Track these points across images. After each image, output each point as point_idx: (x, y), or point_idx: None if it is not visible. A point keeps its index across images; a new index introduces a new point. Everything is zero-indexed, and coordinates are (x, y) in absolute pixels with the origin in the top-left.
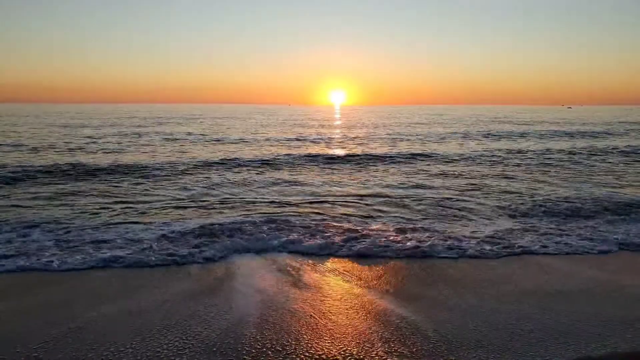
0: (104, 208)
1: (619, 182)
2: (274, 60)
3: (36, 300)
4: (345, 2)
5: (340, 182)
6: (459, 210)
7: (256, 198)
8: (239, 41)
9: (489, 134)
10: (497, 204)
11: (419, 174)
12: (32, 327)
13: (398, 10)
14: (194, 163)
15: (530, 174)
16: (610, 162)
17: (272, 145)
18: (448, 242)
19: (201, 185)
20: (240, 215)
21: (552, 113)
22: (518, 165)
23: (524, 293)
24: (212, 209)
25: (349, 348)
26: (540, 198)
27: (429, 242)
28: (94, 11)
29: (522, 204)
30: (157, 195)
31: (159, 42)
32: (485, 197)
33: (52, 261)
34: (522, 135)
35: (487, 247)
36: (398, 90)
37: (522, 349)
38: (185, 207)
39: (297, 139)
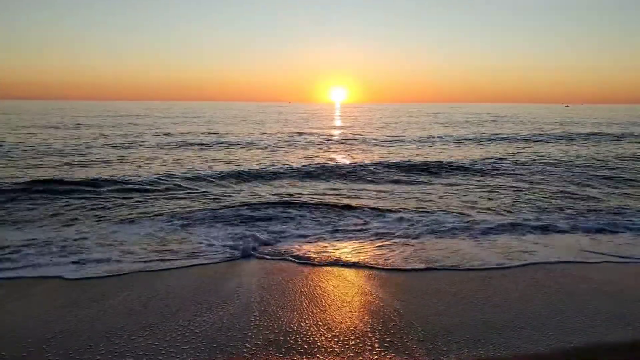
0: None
1: None
2: (272, 57)
3: (43, 294)
4: None
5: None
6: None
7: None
8: (237, 38)
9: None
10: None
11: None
12: (40, 320)
13: (400, 6)
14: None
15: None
16: None
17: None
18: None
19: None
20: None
21: (571, 111)
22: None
23: (530, 294)
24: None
25: (346, 340)
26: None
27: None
28: (91, 3)
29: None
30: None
31: (154, 39)
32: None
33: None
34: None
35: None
36: (399, 88)
37: (524, 347)
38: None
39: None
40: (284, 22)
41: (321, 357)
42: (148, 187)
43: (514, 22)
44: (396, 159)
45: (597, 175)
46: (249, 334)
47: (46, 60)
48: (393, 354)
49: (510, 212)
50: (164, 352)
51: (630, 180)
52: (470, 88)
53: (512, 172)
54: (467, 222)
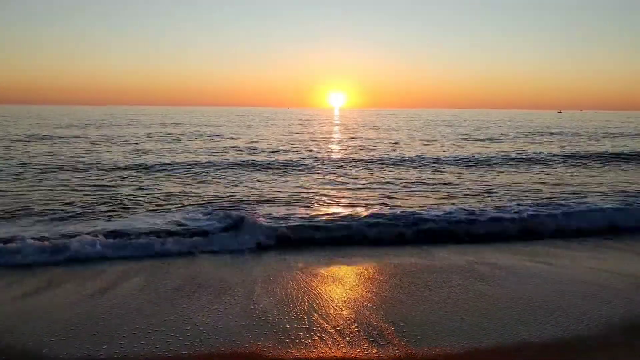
0: None
1: None
2: (271, 60)
3: (56, 283)
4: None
5: None
6: None
7: None
8: (236, 41)
9: None
10: None
11: None
12: (57, 305)
13: (397, 8)
14: None
15: None
16: None
17: None
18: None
19: None
20: None
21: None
22: None
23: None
24: None
25: (340, 338)
26: None
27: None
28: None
29: None
30: None
31: (152, 41)
32: None
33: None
34: None
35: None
36: (396, 93)
37: (514, 345)
38: None
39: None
40: (282, 25)
41: (319, 355)
42: None
43: (514, 24)
44: None
45: None
46: (248, 332)
47: (39, 62)
48: (381, 349)
49: None
50: (164, 351)
51: None
52: (469, 93)
53: None
54: None
